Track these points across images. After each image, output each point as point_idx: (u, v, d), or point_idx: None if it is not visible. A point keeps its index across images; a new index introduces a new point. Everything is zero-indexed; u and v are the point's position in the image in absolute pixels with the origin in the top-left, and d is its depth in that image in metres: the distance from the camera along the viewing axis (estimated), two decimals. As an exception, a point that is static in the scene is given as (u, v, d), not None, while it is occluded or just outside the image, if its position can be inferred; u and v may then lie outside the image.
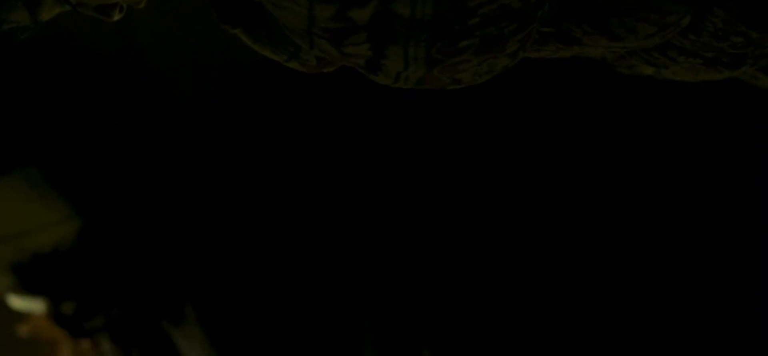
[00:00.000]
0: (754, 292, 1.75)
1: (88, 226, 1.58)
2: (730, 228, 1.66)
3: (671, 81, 1.11)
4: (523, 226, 1.57)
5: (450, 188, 1.56)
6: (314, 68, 1.19)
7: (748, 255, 1.70)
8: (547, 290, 1.58)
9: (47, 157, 1.51)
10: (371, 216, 1.57)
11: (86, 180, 1.55)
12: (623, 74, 1.16)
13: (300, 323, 1.58)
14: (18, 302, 1.69)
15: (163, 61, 1.52)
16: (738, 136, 1.65)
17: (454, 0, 0.87)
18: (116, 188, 1.58)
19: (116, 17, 0.88)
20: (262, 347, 1.58)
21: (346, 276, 1.56)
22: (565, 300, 1.58)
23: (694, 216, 1.64)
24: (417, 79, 0.94)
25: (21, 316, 1.72)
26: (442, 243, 1.56)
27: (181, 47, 1.55)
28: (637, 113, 1.59)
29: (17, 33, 0.82)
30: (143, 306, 1.64)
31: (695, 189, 1.66)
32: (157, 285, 1.62)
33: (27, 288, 1.65)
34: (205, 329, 1.58)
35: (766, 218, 1.74)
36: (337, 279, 1.55)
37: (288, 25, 0.89)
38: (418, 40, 0.89)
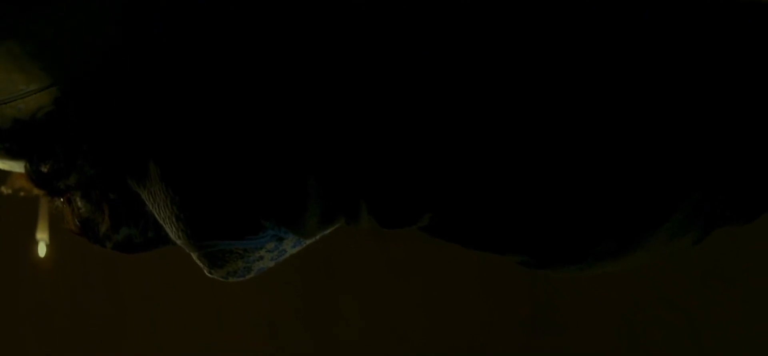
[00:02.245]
0: None
1: (64, 94, 1.57)
2: None
3: None
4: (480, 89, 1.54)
5: (397, 44, 1.53)
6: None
7: None
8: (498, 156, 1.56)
9: (26, 33, 1.50)
10: (315, 75, 1.54)
11: (63, 53, 1.54)
12: None
13: (251, 183, 1.57)
14: (1, 163, 1.67)
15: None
16: None
17: None
18: (91, 60, 1.56)
19: None
20: (217, 202, 1.58)
21: (292, 134, 1.55)
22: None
23: None
24: None
25: (4, 176, 1.70)
26: (382, 99, 1.54)
27: None
28: None
29: None
30: (112, 167, 1.62)
31: None
32: (125, 148, 1.60)
33: (8, 151, 1.64)
34: (167, 186, 1.57)
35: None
36: (285, 138, 1.55)
37: None
38: None
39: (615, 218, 1.58)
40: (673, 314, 3.86)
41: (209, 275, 1.66)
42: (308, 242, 1.68)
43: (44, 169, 1.63)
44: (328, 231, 1.66)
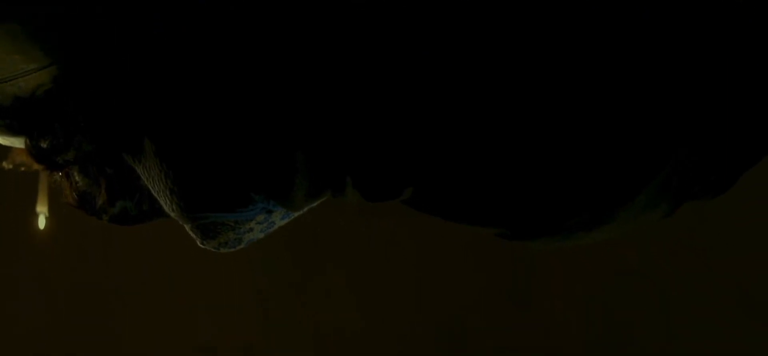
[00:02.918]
0: None
1: (62, 73, 1.58)
2: None
3: None
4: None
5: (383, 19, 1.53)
6: None
7: None
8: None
9: (26, 15, 1.50)
10: (303, 56, 1.55)
11: (61, 34, 1.54)
12: None
13: (242, 158, 1.58)
14: (2, 139, 1.68)
15: None
16: None
17: None
18: (86, 40, 1.57)
19: None
20: (209, 176, 1.59)
21: (281, 113, 1.56)
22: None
23: None
24: None
25: (5, 151, 1.71)
26: (371, 76, 1.55)
27: None
28: None
29: None
30: (108, 142, 1.63)
31: None
32: (121, 125, 1.60)
33: (9, 127, 1.64)
34: (161, 161, 1.58)
35: None
36: (274, 116, 1.55)
37: None
38: None
39: (588, 192, 1.59)
40: (644, 285, 3.89)
41: (202, 246, 1.68)
42: (296, 214, 1.69)
43: (44, 144, 1.63)
44: (315, 204, 1.67)
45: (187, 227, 1.65)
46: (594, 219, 1.63)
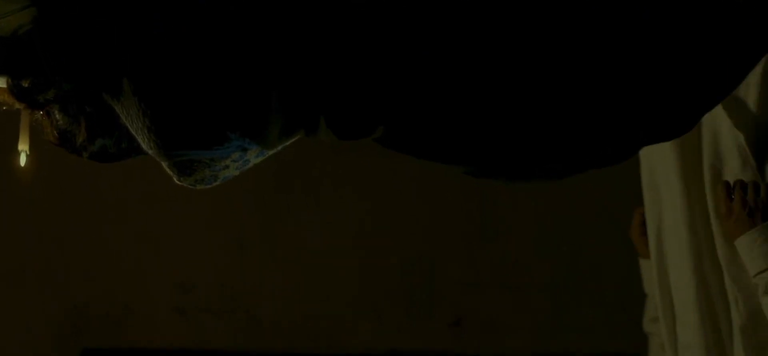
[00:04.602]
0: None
1: (42, 14, 1.57)
2: None
3: None
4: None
5: None
6: None
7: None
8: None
9: None
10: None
11: None
12: None
13: (218, 98, 1.58)
14: None
15: None
16: None
17: None
18: None
19: None
20: (186, 115, 1.59)
21: (257, 54, 1.56)
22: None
23: None
24: None
25: None
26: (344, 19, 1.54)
27: None
28: None
29: None
30: (88, 82, 1.62)
31: None
32: (100, 64, 1.59)
33: None
34: (139, 100, 1.58)
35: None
36: (251, 57, 1.55)
37: None
38: None
39: (568, 146, 1.62)
40: (610, 226, 3.92)
41: (178, 183, 1.68)
42: (270, 152, 1.70)
43: (25, 84, 1.63)
44: (288, 143, 1.68)
45: (164, 165, 1.66)
46: (565, 170, 1.66)
